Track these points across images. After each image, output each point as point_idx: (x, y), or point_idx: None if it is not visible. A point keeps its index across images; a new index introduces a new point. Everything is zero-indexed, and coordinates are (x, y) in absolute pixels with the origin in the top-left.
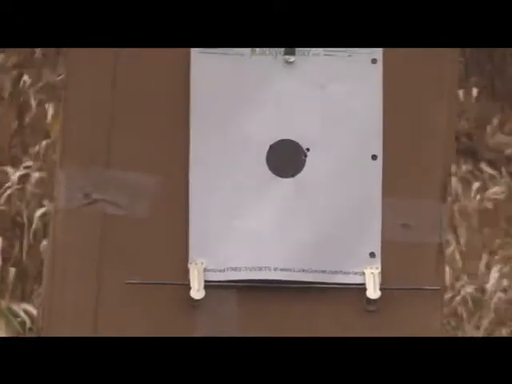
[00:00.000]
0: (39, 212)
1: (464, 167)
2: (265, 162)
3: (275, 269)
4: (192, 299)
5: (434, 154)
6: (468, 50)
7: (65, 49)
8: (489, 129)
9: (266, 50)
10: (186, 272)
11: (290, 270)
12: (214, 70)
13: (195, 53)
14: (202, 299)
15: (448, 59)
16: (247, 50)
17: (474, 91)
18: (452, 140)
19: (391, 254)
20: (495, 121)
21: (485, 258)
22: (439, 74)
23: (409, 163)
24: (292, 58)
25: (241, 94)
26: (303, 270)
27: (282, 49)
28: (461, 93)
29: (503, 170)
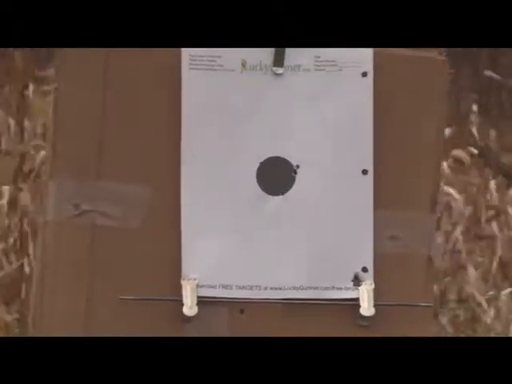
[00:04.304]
0: None
1: None
2: (255, 180)
3: (265, 288)
4: (184, 315)
5: (422, 166)
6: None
7: (56, 59)
8: None
9: (257, 65)
10: (178, 286)
11: (280, 288)
12: (204, 87)
13: (186, 69)
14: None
15: (438, 72)
16: (238, 66)
17: None
18: (440, 152)
19: (380, 267)
20: None
21: None
22: (429, 88)
23: (397, 176)
24: (280, 70)
25: (231, 110)
26: (294, 288)
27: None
28: None
29: None
